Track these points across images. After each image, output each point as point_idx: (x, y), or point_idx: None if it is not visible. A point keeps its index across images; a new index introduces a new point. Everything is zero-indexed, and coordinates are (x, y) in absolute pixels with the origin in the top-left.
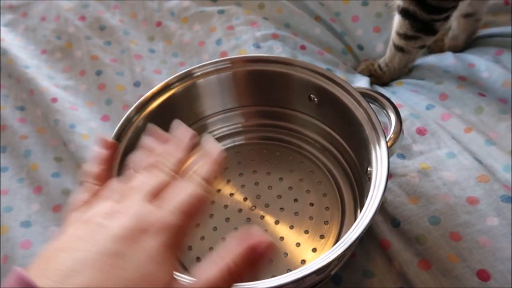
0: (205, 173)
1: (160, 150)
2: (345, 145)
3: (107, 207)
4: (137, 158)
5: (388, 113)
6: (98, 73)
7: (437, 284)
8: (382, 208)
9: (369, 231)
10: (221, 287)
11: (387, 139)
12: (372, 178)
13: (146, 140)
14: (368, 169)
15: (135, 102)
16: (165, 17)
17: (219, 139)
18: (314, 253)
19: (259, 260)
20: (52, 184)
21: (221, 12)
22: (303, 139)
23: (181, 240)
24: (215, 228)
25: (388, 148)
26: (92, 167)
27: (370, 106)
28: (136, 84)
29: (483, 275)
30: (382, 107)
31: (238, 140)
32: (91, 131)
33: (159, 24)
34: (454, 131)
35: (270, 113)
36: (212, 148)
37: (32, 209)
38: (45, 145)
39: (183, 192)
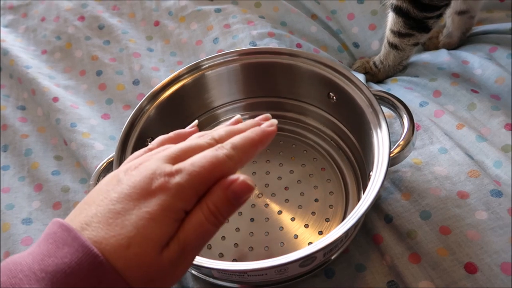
0: (238, 143)
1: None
2: (357, 145)
3: (131, 164)
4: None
5: (402, 120)
6: (98, 73)
7: (426, 277)
8: (376, 205)
9: (363, 227)
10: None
11: (396, 145)
12: (369, 182)
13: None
14: (370, 173)
15: (135, 101)
16: (163, 16)
17: None
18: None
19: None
20: (52, 182)
21: (218, 11)
22: (319, 135)
23: (188, 202)
24: None
25: (390, 156)
26: (168, 136)
27: (382, 110)
28: (135, 83)
29: (470, 268)
30: (397, 113)
31: None
32: (92, 129)
33: (157, 23)
34: (446, 127)
35: (282, 105)
36: (265, 125)
37: (33, 206)
38: (46, 144)
39: (201, 155)
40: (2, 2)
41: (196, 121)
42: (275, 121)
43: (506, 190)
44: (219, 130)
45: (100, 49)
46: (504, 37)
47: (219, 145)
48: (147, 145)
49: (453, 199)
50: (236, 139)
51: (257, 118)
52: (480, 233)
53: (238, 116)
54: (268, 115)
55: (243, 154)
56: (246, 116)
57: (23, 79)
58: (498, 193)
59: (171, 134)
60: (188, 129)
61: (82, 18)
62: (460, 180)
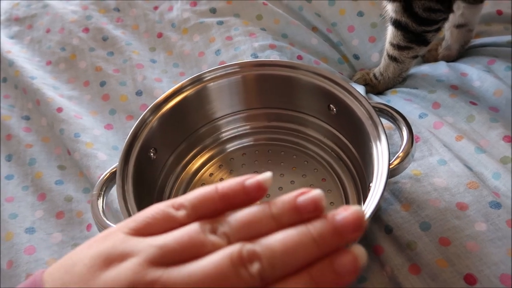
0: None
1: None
2: (357, 157)
3: (116, 247)
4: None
5: (401, 132)
6: (102, 84)
7: None
8: (376, 216)
9: (363, 238)
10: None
11: (395, 157)
12: (369, 193)
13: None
14: (370, 184)
15: (138, 112)
16: (166, 28)
17: (234, 139)
18: None
19: None
20: (56, 191)
21: (220, 23)
22: (320, 145)
23: None
24: None
25: (389, 168)
26: (212, 195)
27: (381, 123)
28: (138, 93)
29: (470, 280)
30: (397, 125)
31: (253, 140)
32: (95, 139)
33: (160, 35)
34: (445, 139)
35: (283, 116)
36: (347, 263)
37: (36, 216)
38: (49, 154)
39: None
40: (8, 13)
41: (269, 175)
42: (362, 254)
43: (505, 202)
44: (275, 249)
45: (104, 60)
46: (502, 50)
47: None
48: (149, 156)
49: (452, 211)
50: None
51: (341, 218)
52: (480, 244)
53: (317, 194)
54: (359, 214)
55: None
56: (247, 127)
57: (28, 90)
58: (497, 205)
59: (217, 194)
60: (250, 186)
61: (86, 29)
62: (459, 192)
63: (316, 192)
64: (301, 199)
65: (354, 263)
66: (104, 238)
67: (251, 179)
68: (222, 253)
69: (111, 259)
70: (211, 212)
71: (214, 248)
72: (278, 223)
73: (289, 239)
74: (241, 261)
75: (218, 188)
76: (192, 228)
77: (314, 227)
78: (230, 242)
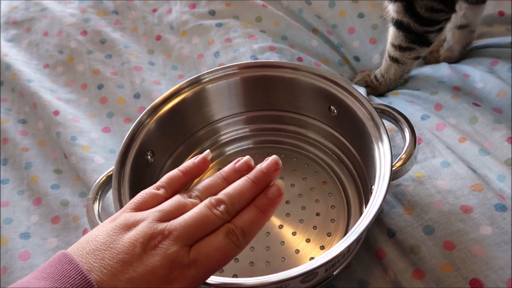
0: (248, 229)
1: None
2: (359, 159)
3: (128, 219)
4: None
5: (404, 133)
6: (100, 87)
7: None
8: (378, 219)
9: (365, 241)
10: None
11: (398, 159)
12: (371, 196)
13: (226, 168)
14: (372, 187)
15: (136, 114)
16: (164, 30)
17: (233, 141)
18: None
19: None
20: (52, 196)
21: (219, 25)
22: (321, 148)
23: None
24: None
25: (391, 170)
26: (177, 174)
27: (383, 124)
28: (136, 96)
29: (475, 285)
30: (399, 126)
31: (253, 143)
32: (92, 142)
33: (159, 37)
34: (448, 140)
35: (283, 118)
36: (274, 191)
37: (31, 220)
38: (46, 158)
39: (216, 246)
40: (6, 17)
41: (208, 152)
42: (282, 185)
43: (510, 204)
44: (231, 193)
45: (101, 63)
46: (504, 51)
47: (232, 230)
48: (147, 159)
49: (456, 214)
50: (247, 224)
51: (265, 165)
52: (485, 248)
53: (247, 158)
54: (276, 160)
55: (250, 239)
56: (247, 129)
57: (25, 93)
58: (502, 208)
59: (180, 172)
60: (198, 162)
61: (84, 32)
62: (463, 194)
63: (246, 157)
64: (238, 164)
65: (279, 190)
66: (114, 218)
67: (198, 158)
68: (200, 205)
69: (128, 226)
70: (181, 185)
71: (193, 205)
72: (228, 182)
73: (238, 186)
74: (213, 205)
75: (180, 169)
76: (177, 197)
77: (251, 175)
78: (201, 200)
